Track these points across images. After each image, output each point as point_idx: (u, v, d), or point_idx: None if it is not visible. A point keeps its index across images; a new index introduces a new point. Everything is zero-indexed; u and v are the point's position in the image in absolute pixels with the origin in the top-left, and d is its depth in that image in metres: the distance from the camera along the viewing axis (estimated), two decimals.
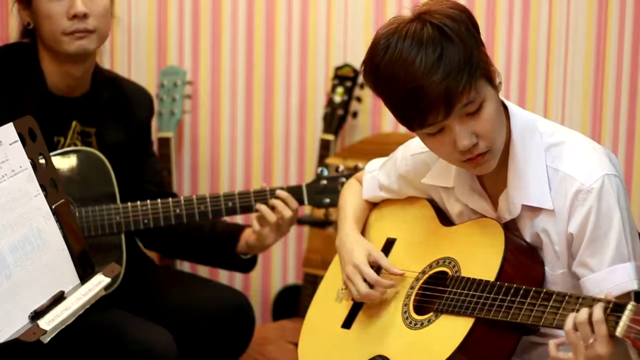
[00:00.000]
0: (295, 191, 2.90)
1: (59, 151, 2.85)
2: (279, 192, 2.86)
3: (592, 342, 1.93)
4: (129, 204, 2.87)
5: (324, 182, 2.91)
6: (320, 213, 3.16)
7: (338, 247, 2.46)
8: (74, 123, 2.91)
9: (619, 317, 1.91)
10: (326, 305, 2.49)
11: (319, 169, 2.97)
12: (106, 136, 2.94)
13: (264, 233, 2.89)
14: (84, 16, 2.79)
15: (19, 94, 2.83)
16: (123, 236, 2.88)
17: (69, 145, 2.90)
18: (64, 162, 2.82)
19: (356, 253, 2.39)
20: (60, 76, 2.87)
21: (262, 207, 2.86)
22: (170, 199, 2.90)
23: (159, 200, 2.89)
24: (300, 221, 3.52)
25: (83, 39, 2.81)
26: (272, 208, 2.86)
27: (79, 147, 2.88)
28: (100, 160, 2.87)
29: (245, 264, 3.06)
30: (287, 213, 2.85)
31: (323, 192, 2.90)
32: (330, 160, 3.55)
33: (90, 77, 2.93)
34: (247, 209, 2.90)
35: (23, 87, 2.84)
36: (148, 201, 2.88)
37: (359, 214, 2.52)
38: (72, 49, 2.81)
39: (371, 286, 2.35)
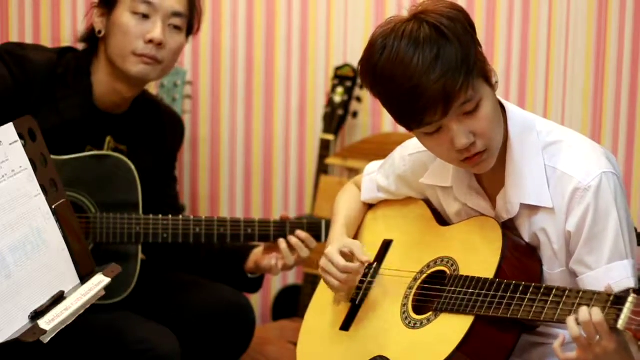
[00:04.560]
0: (314, 227, 2.90)
1: (89, 153, 2.84)
2: (299, 233, 2.87)
3: (598, 340, 1.94)
4: (151, 216, 2.86)
5: None
6: (320, 214, 3.16)
7: None
8: (108, 138, 2.90)
9: (620, 310, 1.93)
10: (324, 307, 2.49)
11: None
12: (136, 157, 2.93)
13: (279, 266, 2.92)
14: (159, 45, 2.79)
15: (64, 100, 2.82)
16: (140, 247, 2.88)
17: None
18: (93, 165, 2.82)
19: (330, 247, 2.40)
20: (109, 91, 2.86)
21: (284, 248, 2.87)
22: (192, 217, 2.90)
23: (180, 217, 2.89)
24: None
25: (148, 65, 2.80)
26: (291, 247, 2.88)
27: (111, 153, 2.87)
28: (130, 169, 2.86)
29: (252, 284, 3.06)
30: (305, 254, 2.86)
31: None
32: (330, 160, 3.55)
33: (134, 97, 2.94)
34: (265, 237, 2.90)
35: (70, 94, 2.83)
36: (170, 216, 2.88)
37: (351, 218, 2.52)
38: (133, 71, 2.80)
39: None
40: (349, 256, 2.37)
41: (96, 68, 2.87)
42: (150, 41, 2.78)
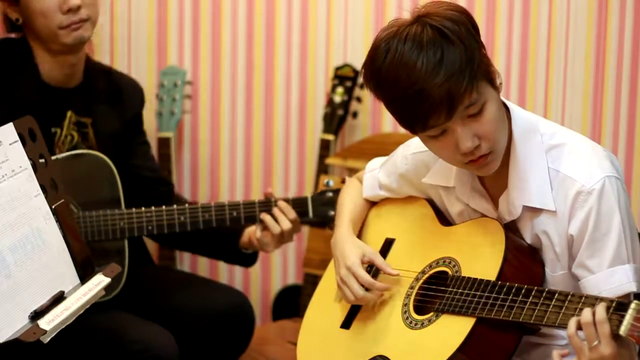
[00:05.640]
0: (300, 203, 2.90)
1: (65, 154, 2.85)
2: (279, 203, 2.87)
3: (596, 344, 1.93)
4: (134, 209, 2.87)
5: (330, 194, 2.90)
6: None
7: (332, 248, 2.46)
8: (69, 113, 2.93)
9: (623, 316, 1.92)
10: (325, 305, 2.49)
11: (325, 180, 2.96)
12: (102, 126, 2.96)
13: (265, 241, 2.90)
14: (78, 8, 2.83)
15: (14, 87, 2.86)
16: (126, 242, 2.88)
17: (65, 137, 2.92)
18: (70, 166, 2.83)
19: (349, 254, 2.39)
20: (56, 66, 2.90)
21: (267, 218, 2.87)
22: (175, 206, 2.90)
23: (163, 207, 2.89)
24: (300, 221, 3.52)
25: (79, 29, 2.85)
26: (275, 218, 2.87)
27: (86, 151, 2.89)
28: (107, 165, 2.88)
29: (247, 259, 3.07)
30: (285, 225, 2.86)
31: (328, 204, 2.89)
32: (330, 161, 3.55)
33: (84, 68, 2.96)
34: (251, 219, 2.90)
35: (18, 80, 2.87)
36: (152, 207, 2.89)
37: (356, 214, 2.52)
38: (69, 41, 2.84)
39: (367, 289, 2.35)
40: (366, 263, 2.37)
41: (35, 48, 2.90)
42: (69, 10, 2.82)
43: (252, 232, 2.98)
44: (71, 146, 2.94)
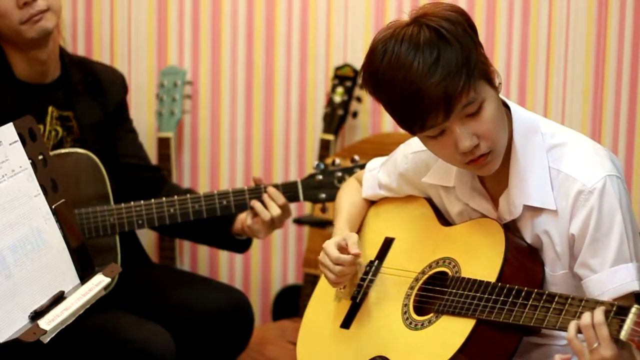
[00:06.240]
0: (290, 187, 2.90)
1: (52, 153, 2.85)
2: (269, 189, 2.87)
3: (596, 347, 1.93)
4: (123, 205, 2.88)
5: (320, 177, 2.91)
6: (321, 214, 3.16)
7: None
8: (50, 109, 2.94)
9: (623, 321, 1.91)
10: (325, 305, 2.49)
11: (315, 163, 2.96)
12: (85, 117, 2.97)
13: (256, 227, 2.91)
14: (33, 0, 2.82)
15: None
16: (117, 237, 2.88)
17: (49, 132, 2.92)
18: (57, 165, 2.82)
19: (329, 240, 2.39)
20: (28, 64, 2.91)
21: (257, 205, 2.87)
22: (164, 199, 2.90)
23: (152, 201, 2.89)
24: (300, 221, 3.52)
25: (40, 21, 2.84)
26: (265, 205, 2.87)
27: (72, 150, 2.90)
28: (94, 162, 2.88)
29: (240, 244, 3.07)
30: (275, 211, 2.86)
31: (318, 187, 2.90)
32: (330, 161, 3.55)
33: (59, 62, 2.96)
34: (241, 207, 2.90)
35: None
36: (142, 201, 2.89)
37: (354, 214, 2.52)
38: (33, 34, 2.84)
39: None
40: (345, 249, 2.37)
41: (6, 49, 2.90)
42: (25, 4, 2.81)
43: (243, 219, 2.98)
44: (56, 141, 2.94)
